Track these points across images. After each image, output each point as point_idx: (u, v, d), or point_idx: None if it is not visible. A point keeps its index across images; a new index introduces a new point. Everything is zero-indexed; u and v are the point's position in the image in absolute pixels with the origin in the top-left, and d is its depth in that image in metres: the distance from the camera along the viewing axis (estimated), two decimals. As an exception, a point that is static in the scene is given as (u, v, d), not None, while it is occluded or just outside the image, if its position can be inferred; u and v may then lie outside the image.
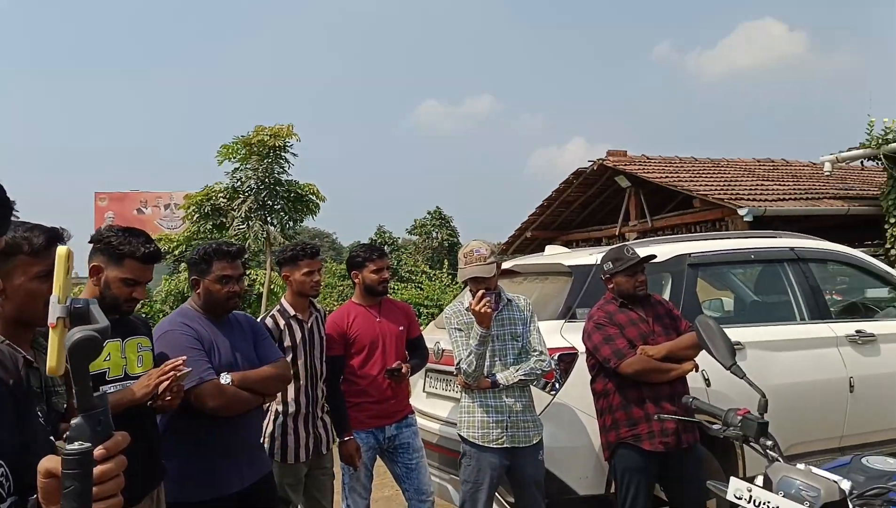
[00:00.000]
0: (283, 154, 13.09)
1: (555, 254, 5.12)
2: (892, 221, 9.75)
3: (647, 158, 12.72)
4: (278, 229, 13.65)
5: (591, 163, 12.68)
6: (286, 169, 13.28)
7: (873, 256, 14.06)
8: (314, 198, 13.51)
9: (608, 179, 12.84)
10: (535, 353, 3.62)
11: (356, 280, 3.89)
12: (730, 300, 6.03)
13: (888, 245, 9.85)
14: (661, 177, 11.50)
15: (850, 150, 9.98)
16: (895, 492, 1.80)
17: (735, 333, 4.39)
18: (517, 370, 3.57)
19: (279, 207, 13.40)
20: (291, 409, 3.51)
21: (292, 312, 3.57)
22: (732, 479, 1.92)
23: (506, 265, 4.89)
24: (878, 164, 9.98)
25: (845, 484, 1.87)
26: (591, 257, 4.39)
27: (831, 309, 5.27)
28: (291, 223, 13.69)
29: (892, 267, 8.10)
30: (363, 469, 3.76)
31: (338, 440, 3.68)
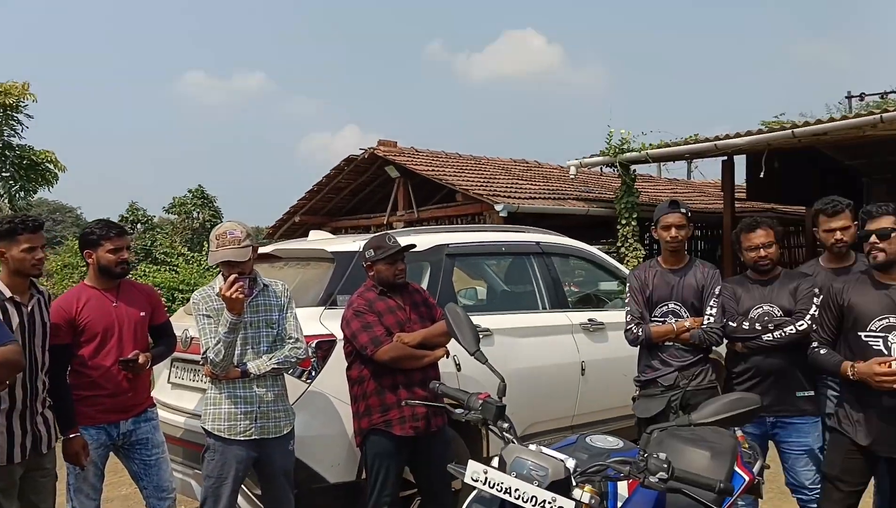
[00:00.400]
0: (14, 115, 11.54)
1: (318, 240, 5.02)
2: (623, 222, 10.92)
3: (416, 151, 13.05)
4: (5, 200, 11.99)
5: (363, 151, 12.73)
6: (18, 132, 11.77)
7: (607, 253, 15.63)
8: (51, 167, 12.07)
9: (379, 168, 12.97)
10: (291, 340, 3.51)
11: (90, 260, 3.49)
12: (483, 289, 6.35)
13: (619, 243, 11.03)
14: (428, 170, 11.86)
15: (592, 156, 11.01)
16: (612, 468, 1.97)
17: (485, 320, 4.64)
18: (270, 359, 3.44)
19: (7, 174, 11.79)
20: (5, 404, 3.04)
21: (8, 293, 3.09)
22: (470, 462, 1.99)
23: (266, 250, 4.70)
24: (614, 170, 11.15)
25: (570, 463, 2.02)
26: (353, 244, 4.36)
27: (569, 299, 5.76)
28: (22, 193, 12.09)
29: (622, 263, 9.13)
30: (91, 467, 3.39)
31: (61, 437, 3.27)
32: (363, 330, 3.56)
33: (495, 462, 2.05)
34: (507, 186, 11.67)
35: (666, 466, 1.90)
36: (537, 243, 5.28)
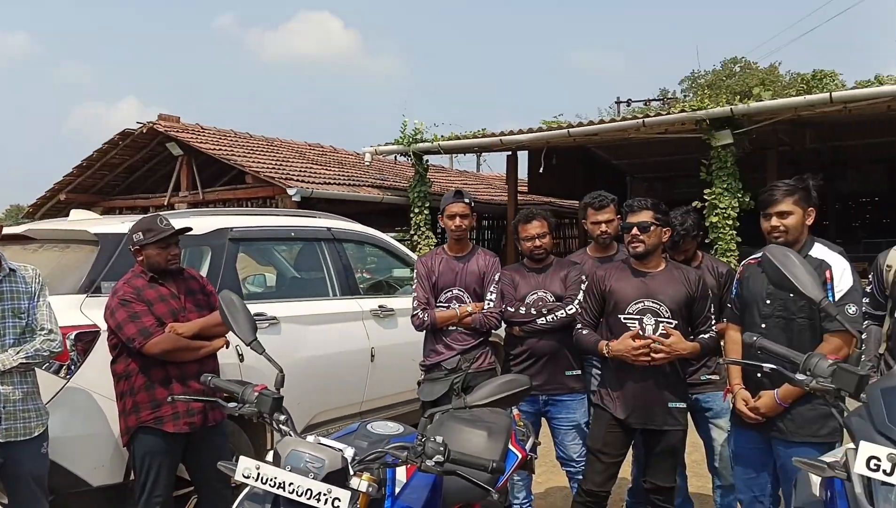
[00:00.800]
0: None
1: (80, 220, 4.53)
2: (416, 210, 11.15)
3: (202, 128, 12.32)
4: None
5: (141, 125, 11.76)
6: None
7: (401, 240, 15.84)
8: None
9: (160, 144, 12.07)
10: (43, 332, 3.12)
11: None
12: (273, 276, 6.15)
13: (412, 231, 11.25)
14: (215, 149, 11.25)
15: (386, 144, 11.13)
16: (390, 455, 1.96)
17: (273, 308, 4.49)
18: (18, 353, 3.03)
19: None
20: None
21: None
22: (241, 458, 1.88)
23: (14, 229, 4.16)
24: (408, 159, 11.34)
25: (349, 452, 1.98)
26: (122, 225, 3.98)
27: (361, 286, 5.74)
28: None
29: (415, 251, 9.33)
30: None
31: None
32: (130, 320, 3.26)
33: (269, 456, 1.95)
34: (301, 171, 11.41)
35: (442, 449, 1.92)
36: (328, 228, 5.20)
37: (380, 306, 5.20)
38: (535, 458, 3.97)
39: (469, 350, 3.88)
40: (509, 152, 12.00)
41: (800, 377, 1.88)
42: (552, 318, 3.77)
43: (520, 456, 2.87)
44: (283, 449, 1.90)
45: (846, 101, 7.96)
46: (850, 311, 2.86)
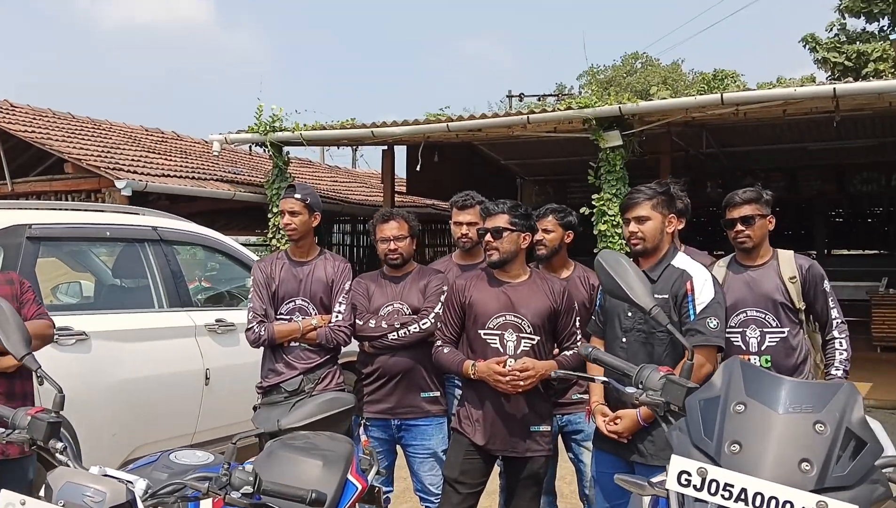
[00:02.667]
0: None
1: None
2: (276, 210, 10.97)
3: (12, 106, 11.64)
4: None
5: (-67, 100, 10.98)
6: None
7: (260, 244, 15.45)
8: None
9: (-43, 124, 11.31)
10: None
11: None
12: (91, 285, 5.92)
13: (271, 235, 11.06)
14: (28, 131, 10.66)
15: (239, 132, 10.89)
16: (189, 486, 1.95)
17: (83, 322, 4.34)
18: None
19: None
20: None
21: None
22: (3, 492, 1.81)
23: None
24: (265, 150, 11.17)
25: (140, 484, 1.95)
26: None
27: (198, 297, 5.63)
28: None
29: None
30: None
31: None
32: None
33: (43, 491, 1.90)
34: (134, 160, 11.00)
35: (252, 479, 1.93)
36: (154, 228, 5.06)
37: (217, 321, 5.13)
38: (390, 491, 4.05)
39: (313, 370, 3.88)
40: (385, 147, 12.08)
41: (629, 389, 2.03)
42: (405, 333, 3.84)
43: (360, 487, 2.91)
44: (56, 482, 1.85)
45: (738, 102, 8.55)
46: (711, 325, 3.09)
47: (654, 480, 1.73)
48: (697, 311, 3.12)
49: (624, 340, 3.25)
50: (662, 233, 3.28)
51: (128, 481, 1.92)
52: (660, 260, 3.29)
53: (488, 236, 3.48)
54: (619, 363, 2.18)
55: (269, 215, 11.03)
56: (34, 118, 11.54)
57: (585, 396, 3.96)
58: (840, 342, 3.62)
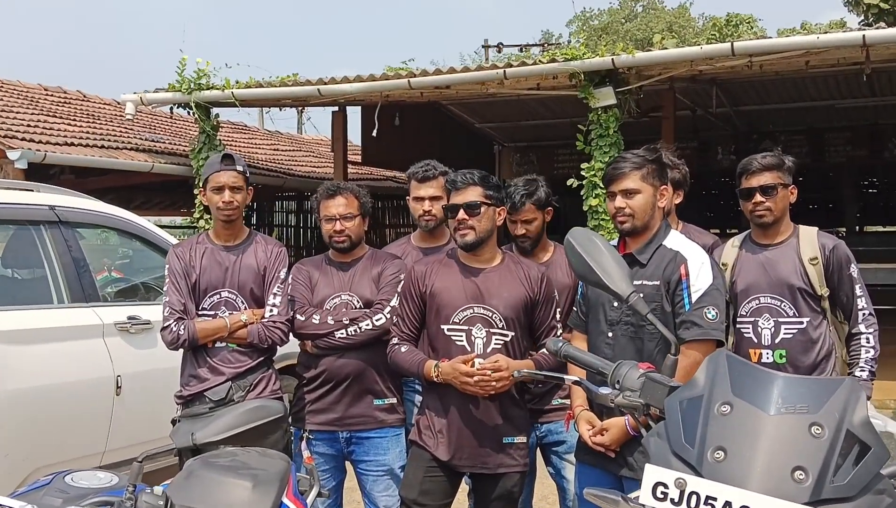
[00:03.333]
0: None
1: None
2: (202, 185, 10.82)
3: None
4: None
5: None
6: None
7: (187, 226, 15.31)
8: None
9: None
10: None
11: None
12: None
13: (198, 215, 10.97)
14: None
15: (157, 91, 10.74)
16: (86, 512, 1.98)
17: (-35, 320, 4.30)
18: None
19: None
20: None
21: None
22: None
23: None
24: (189, 113, 11.06)
25: (22, 512, 1.97)
26: None
27: (107, 290, 5.60)
28: None
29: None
30: None
31: None
32: None
33: None
34: (30, 125, 10.86)
35: (161, 504, 1.96)
36: (52, 207, 5.02)
37: (130, 318, 5.11)
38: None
39: (243, 375, 3.87)
40: (335, 109, 12.05)
41: (604, 390, 2.08)
42: (355, 330, 3.87)
43: (297, 512, 2.94)
44: (-73, 510, 1.86)
45: (751, 53, 8.63)
46: (710, 315, 3.13)
47: (631, 494, 1.78)
48: (693, 300, 3.16)
49: (610, 335, 3.29)
50: (654, 208, 3.31)
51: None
52: (650, 240, 3.32)
53: (461, 213, 3.49)
54: (593, 360, 2.22)
55: (196, 191, 10.93)
56: None
57: (567, 401, 4.02)
58: (867, 338, 3.69)
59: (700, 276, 3.19)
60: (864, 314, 3.71)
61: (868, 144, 15.23)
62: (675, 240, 3.33)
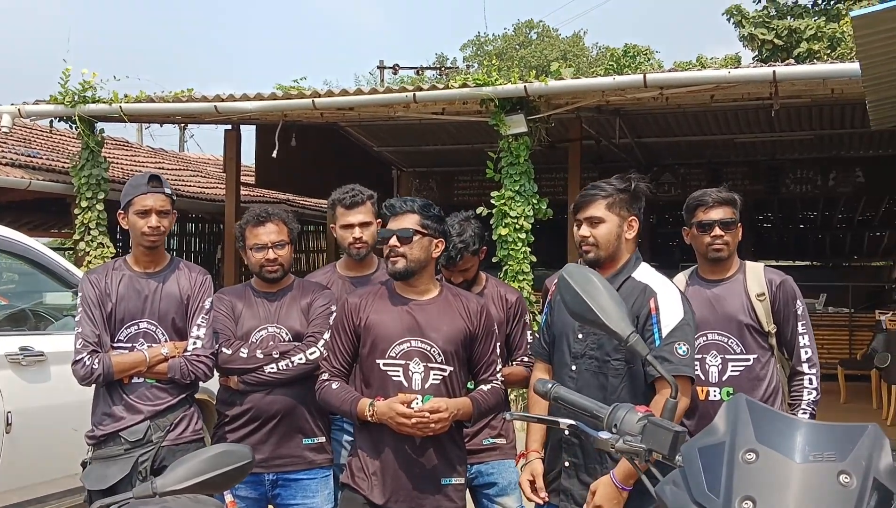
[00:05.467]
0: None
1: None
2: (85, 203, 10.49)
3: None
4: None
5: None
6: None
7: (61, 248, 14.81)
8: None
9: None
10: None
11: None
12: None
13: (77, 236, 10.63)
14: None
15: (37, 103, 10.41)
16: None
17: None
18: None
19: None
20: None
21: None
22: None
23: None
24: (71, 127, 10.74)
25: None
26: None
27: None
28: None
29: (80, 266, 8.80)
30: None
31: None
32: None
33: None
34: None
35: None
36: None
37: (21, 349, 4.95)
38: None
39: (164, 412, 3.79)
40: (229, 127, 11.87)
41: (604, 435, 2.06)
42: (286, 364, 3.80)
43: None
44: None
45: (663, 85, 8.90)
46: (681, 351, 3.13)
47: None
48: (664, 335, 3.16)
49: (573, 368, 3.28)
50: (620, 239, 3.31)
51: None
52: (617, 272, 3.33)
53: (393, 240, 3.45)
54: (588, 404, 2.20)
55: (77, 211, 10.61)
56: None
57: (499, 441, 4.01)
58: (810, 380, 3.76)
59: (670, 310, 3.19)
60: (807, 354, 3.78)
61: (765, 179, 15.80)
62: (645, 273, 3.33)
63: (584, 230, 3.31)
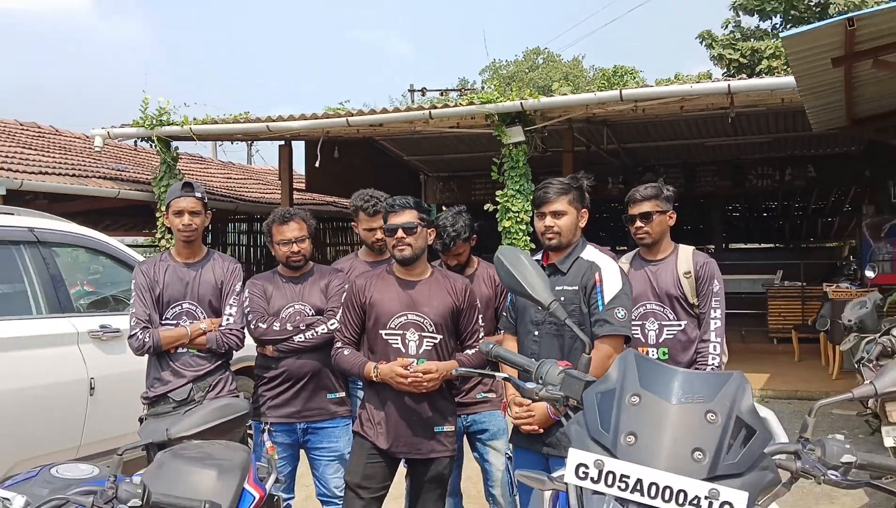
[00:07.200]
0: None
1: None
2: (164, 209, 10.61)
3: None
4: None
5: None
6: None
7: (150, 246, 14.96)
8: None
9: None
10: None
11: None
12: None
13: (160, 235, 10.76)
14: None
15: (123, 127, 10.54)
16: (73, 501, 1.90)
17: (-50, 330, 4.14)
18: None
19: None
20: None
21: None
22: None
23: None
24: (151, 145, 10.86)
25: (19, 501, 1.88)
26: None
27: (80, 302, 5.44)
28: None
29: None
30: None
31: None
32: None
33: None
34: (7, 156, 10.49)
35: (140, 491, 1.90)
36: (31, 229, 4.87)
37: (102, 327, 4.98)
38: (291, 498, 4.04)
39: (203, 377, 3.85)
40: (282, 142, 11.92)
41: (530, 385, 2.09)
42: (312, 334, 3.86)
43: (257, 496, 2.88)
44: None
45: (636, 99, 8.83)
46: (619, 315, 3.19)
47: (554, 475, 1.78)
48: (605, 301, 3.22)
49: (536, 333, 3.33)
50: (576, 227, 3.38)
51: (4, 498, 1.85)
52: (569, 253, 3.38)
53: (400, 232, 3.49)
54: (519, 360, 2.22)
55: (158, 215, 10.73)
56: None
57: (490, 395, 4.04)
58: (714, 346, 3.75)
59: (611, 282, 3.25)
60: (716, 324, 3.77)
61: (731, 176, 15.63)
62: (591, 253, 3.38)
63: (549, 221, 3.35)
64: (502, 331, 3.62)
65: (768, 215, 19.30)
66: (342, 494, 3.84)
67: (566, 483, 1.67)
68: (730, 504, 1.54)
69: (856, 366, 5.22)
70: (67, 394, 4.68)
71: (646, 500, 1.58)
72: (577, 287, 3.28)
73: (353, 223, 4.43)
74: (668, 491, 1.57)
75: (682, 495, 1.56)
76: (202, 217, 3.92)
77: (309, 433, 3.92)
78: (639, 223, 3.82)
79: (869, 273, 8.20)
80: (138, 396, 4.30)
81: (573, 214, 3.35)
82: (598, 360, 2.84)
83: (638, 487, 1.59)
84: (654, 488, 1.58)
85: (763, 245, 19.99)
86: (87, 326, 4.93)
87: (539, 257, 3.49)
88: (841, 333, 6.01)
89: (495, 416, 4.03)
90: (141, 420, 3.89)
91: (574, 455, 1.64)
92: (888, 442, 4.41)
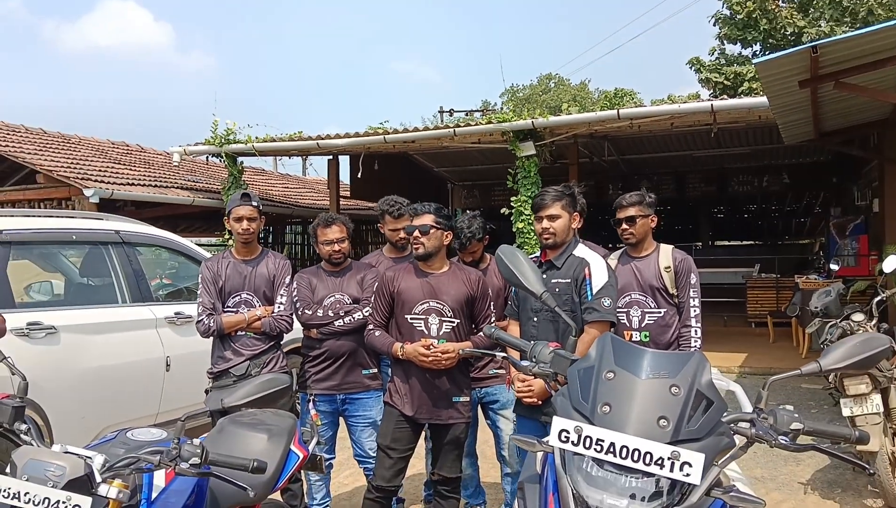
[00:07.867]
0: None
1: None
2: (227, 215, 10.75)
3: (-14, 122, 11.19)
4: None
5: None
6: None
7: (219, 245, 15.17)
8: None
9: (-68, 138, 10.78)
10: None
11: None
12: (61, 283, 5.76)
13: (227, 236, 10.91)
14: (3, 146, 10.27)
15: (196, 144, 10.72)
16: (143, 459, 1.95)
17: (51, 316, 4.25)
18: None
19: None
20: None
21: None
22: (-31, 472, 1.78)
23: None
24: (220, 160, 11.01)
25: (98, 459, 1.94)
26: None
27: (159, 293, 5.53)
28: None
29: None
30: None
31: None
32: None
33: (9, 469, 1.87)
34: (100, 170, 10.69)
35: (199, 451, 1.94)
36: (117, 231, 4.96)
37: (176, 314, 5.06)
38: (332, 458, 4.08)
39: (259, 355, 3.89)
40: (330, 157, 12.00)
41: (524, 363, 2.10)
42: (350, 320, 3.88)
43: (301, 456, 2.92)
44: (20, 459, 1.83)
45: (632, 117, 8.78)
46: (605, 304, 3.21)
47: (543, 439, 1.79)
48: (594, 292, 3.23)
49: (535, 319, 3.35)
50: (569, 228, 3.40)
51: (87, 456, 1.91)
52: (563, 250, 3.40)
53: (416, 233, 3.52)
54: (516, 341, 2.24)
55: (224, 220, 10.86)
56: (8, 133, 11.11)
57: (500, 371, 4.05)
58: (695, 331, 3.77)
59: (599, 275, 3.26)
60: (695, 312, 3.80)
61: (716, 183, 15.52)
62: (582, 250, 3.40)
63: (546, 224, 3.37)
64: (507, 317, 3.64)
65: (748, 216, 19.02)
66: (375, 454, 3.88)
67: (552, 446, 1.68)
68: (689, 463, 1.55)
69: (821, 346, 5.15)
70: (147, 370, 4.76)
71: (618, 460, 1.60)
72: (569, 280, 3.30)
73: (379, 224, 4.45)
74: (636, 453, 1.58)
75: (648, 456, 1.57)
76: (258, 222, 3.96)
77: (347, 403, 3.95)
78: (625, 226, 3.84)
79: (833, 266, 8.07)
80: (205, 371, 4.38)
81: (566, 217, 3.37)
82: (586, 342, 2.86)
83: (611, 449, 1.60)
84: (624, 450, 1.59)
85: (744, 242, 19.72)
86: (164, 313, 5.01)
87: (538, 254, 3.51)
88: (809, 318, 5.92)
89: (504, 389, 4.04)
90: (206, 392, 3.95)
91: (557, 423, 1.65)
92: (845, 412, 4.36)
